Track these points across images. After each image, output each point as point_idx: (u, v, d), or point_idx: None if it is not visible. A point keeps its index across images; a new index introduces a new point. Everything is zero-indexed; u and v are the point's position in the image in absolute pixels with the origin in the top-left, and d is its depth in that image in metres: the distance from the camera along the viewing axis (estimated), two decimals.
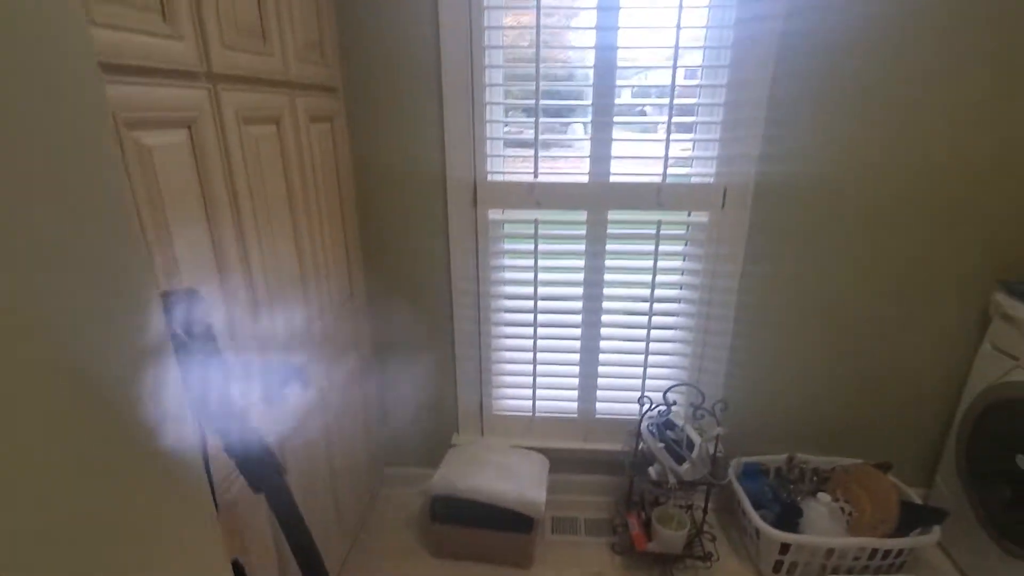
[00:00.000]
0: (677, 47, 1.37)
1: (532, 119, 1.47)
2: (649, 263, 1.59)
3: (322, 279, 1.36)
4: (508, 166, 1.58)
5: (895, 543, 1.46)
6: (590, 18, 1.39)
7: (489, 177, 1.55)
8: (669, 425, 1.60)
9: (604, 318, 1.68)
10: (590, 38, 1.40)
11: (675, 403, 1.61)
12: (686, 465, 1.50)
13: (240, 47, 0.98)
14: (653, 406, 1.59)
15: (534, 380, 1.76)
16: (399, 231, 1.63)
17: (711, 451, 1.57)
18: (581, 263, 1.62)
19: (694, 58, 1.46)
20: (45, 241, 0.34)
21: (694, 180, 1.53)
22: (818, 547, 1.47)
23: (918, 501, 1.58)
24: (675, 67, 1.39)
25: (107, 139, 0.40)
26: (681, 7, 1.34)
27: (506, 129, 1.55)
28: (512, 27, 1.48)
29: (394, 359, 1.78)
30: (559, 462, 1.79)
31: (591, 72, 1.43)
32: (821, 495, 1.58)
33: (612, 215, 1.56)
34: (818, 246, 1.55)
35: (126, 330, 0.42)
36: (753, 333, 1.65)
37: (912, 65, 1.37)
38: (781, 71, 1.38)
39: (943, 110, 1.40)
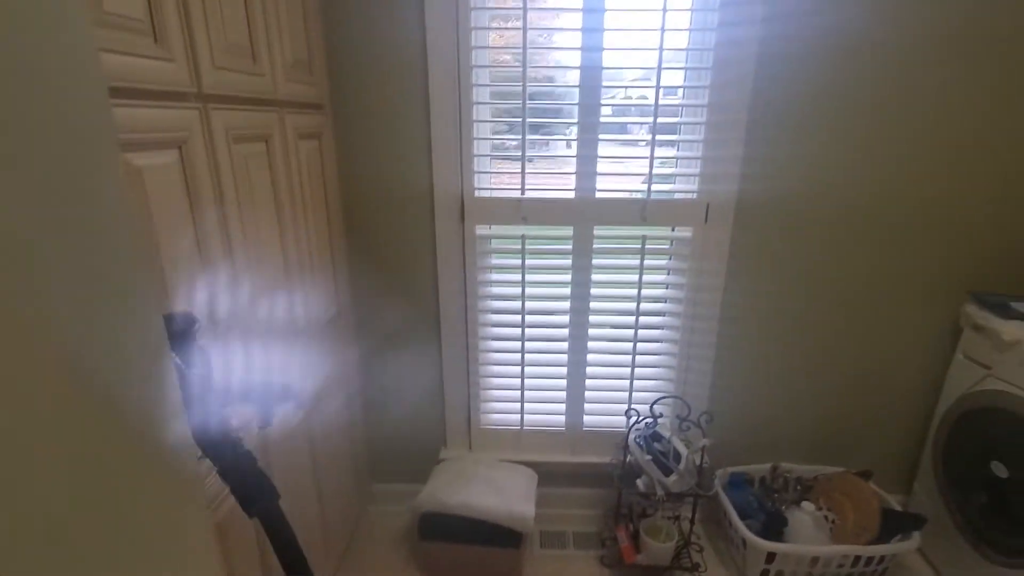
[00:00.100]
0: (660, 67, 1.41)
1: (519, 136, 1.49)
2: (635, 277, 1.62)
3: (309, 295, 1.36)
4: (495, 182, 1.59)
5: (877, 550, 1.49)
6: (575, 37, 1.42)
7: (476, 193, 1.56)
8: (656, 437, 1.62)
9: (591, 331, 1.69)
10: (575, 57, 1.44)
11: (661, 415, 1.63)
12: (673, 476, 1.51)
13: (230, 67, 0.98)
14: (640, 418, 1.60)
15: (522, 394, 1.76)
16: (386, 247, 1.63)
17: (697, 462, 1.59)
18: (568, 278, 1.64)
19: (676, 77, 1.49)
20: (55, 259, 0.34)
21: (677, 196, 1.56)
22: (803, 556, 1.50)
23: (898, 508, 1.62)
24: (658, 86, 1.43)
25: (115, 162, 0.41)
26: (663, 29, 1.38)
27: (493, 144, 1.57)
28: (499, 47, 1.50)
29: (381, 374, 1.77)
30: (547, 475, 1.79)
31: (577, 90, 1.46)
32: (805, 504, 1.61)
33: (598, 230, 1.58)
34: (797, 261, 1.60)
35: (131, 350, 0.42)
36: (737, 345, 1.69)
37: (882, 85, 1.43)
38: (759, 92, 1.43)
39: (915, 127, 1.46)
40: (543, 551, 1.75)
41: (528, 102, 1.45)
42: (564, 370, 1.74)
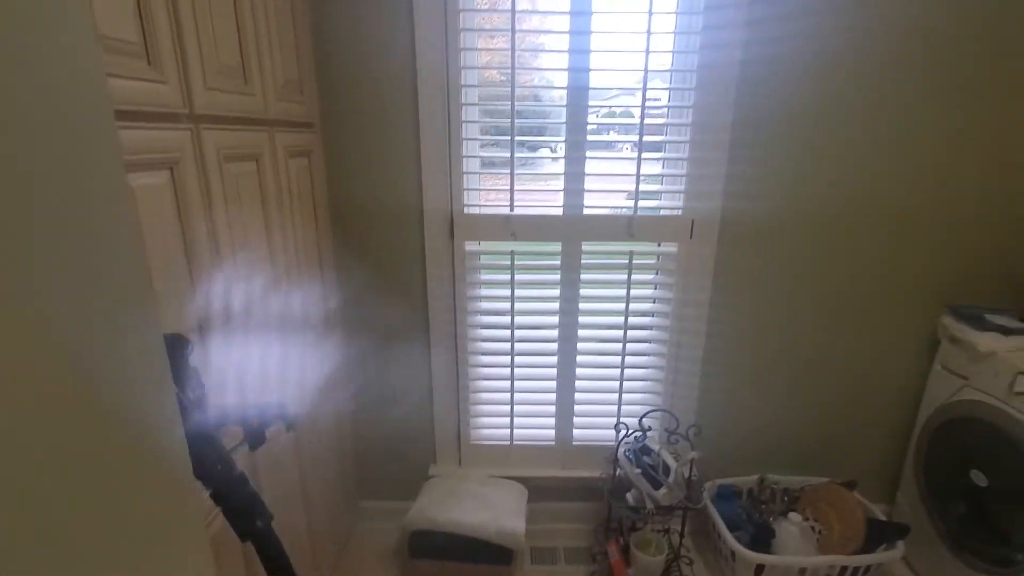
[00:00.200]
0: (645, 88, 1.44)
1: (508, 153, 1.51)
2: (622, 292, 1.64)
3: (298, 311, 1.36)
4: (484, 199, 1.61)
5: (863, 560, 1.51)
6: (563, 58, 1.45)
7: (466, 210, 1.57)
8: (645, 450, 1.63)
9: (580, 346, 1.71)
10: (563, 77, 1.47)
11: (650, 428, 1.64)
12: (663, 490, 1.52)
13: (222, 87, 0.99)
14: (629, 432, 1.61)
15: (511, 409, 1.77)
16: (376, 263, 1.63)
17: (686, 475, 1.60)
18: (556, 293, 1.65)
19: (661, 96, 1.53)
20: (61, 271, 0.35)
21: (663, 213, 1.59)
22: (791, 567, 1.51)
23: (882, 517, 1.64)
24: (644, 106, 1.46)
25: (122, 185, 0.42)
26: (648, 51, 1.41)
27: (482, 161, 1.59)
28: (487, 67, 1.53)
29: (370, 391, 1.77)
30: (537, 490, 1.79)
31: (564, 109, 1.49)
32: (792, 515, 1.63)
33: (586, 246, 1.61)
34: (780, 276, 1.63)
35: (133, 371, 0.43)
36: (723, 359, 1.71)
37: (859, 104, 1.48)
38: (741, 111, 1.47)
39: (892, 146, 1.51)
40: (534, 567, 1.74)
41: (517, 119, 1.48)
42: (553, 384, 1.75)
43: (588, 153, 1.52)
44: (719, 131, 1.48)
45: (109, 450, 0.39)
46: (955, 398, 1.54)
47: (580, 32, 1.42)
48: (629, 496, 1.57)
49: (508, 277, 1.63)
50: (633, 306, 1.66)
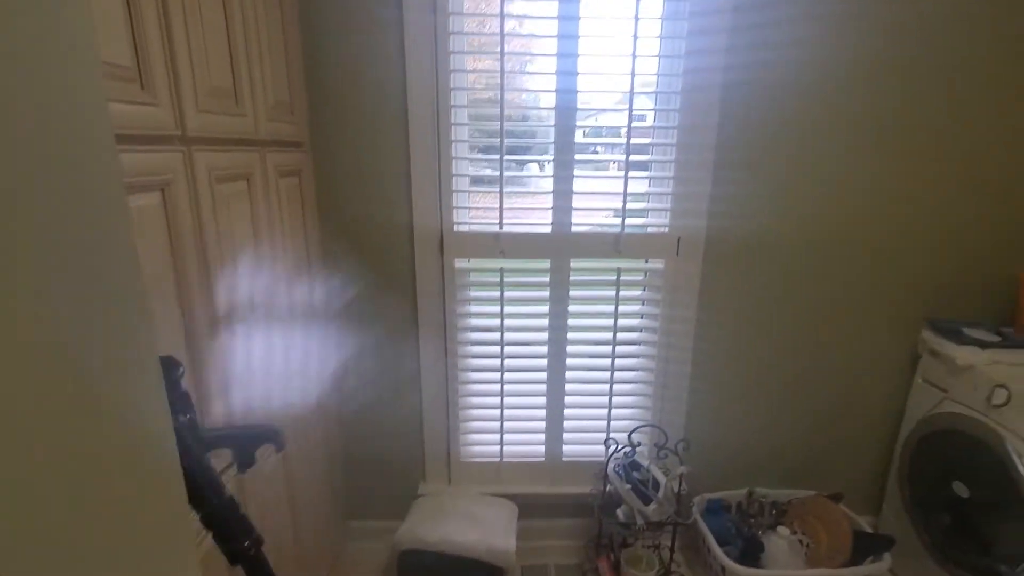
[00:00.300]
0: (631, 108, 1.48)
1: (497, 173, 1.53)
2: (610, 308, 1.66)
3: (287, 327, 1.35)
4: (474, 217, 1.63)
5: (850, 573, 1.52)
6: (550, 80, 1.49)
7: (456, 228, 1.59)
8: (635, 466, 1.64)
9: (569, 362, 1.72)
10: (551, 98, 1.50)
11: (640, 444, 1.65)
12: (653, 505, 1.53)
13: (213, 109, 1.00)
14: (619, 447, 1.62)
15: (501, 425, 1.77)
16: (366, 280, 1.63)
17: (676, 490, 1.61)
18: (546, 309, 1.67)
19: (647, 117, 1.57)
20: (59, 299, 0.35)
21: (650, 230, 1.62)
22: None
23: (869, 530, 1.66)
24: (630, 127, 1.50)
25: (122, 208, 0.43)
26: (633, 73, 1.45)
27: (472, 179, 1.61)
28: (476, 88, 1.56)
29: (359, 408, 1.76)
30: (528, 507, 1.79)
31: (552, 129, 1.51)
32: (780, 528, 1.64)
33: (574, 263, 1.63)
34: (765, 292, 1.66)
35: (128, 391, 0.43)
36: (710, 374, 1.73)
37: (839, 124, 1.53)
38: (723, 132, 1.51)
39: (872, 165, 1.56)
40: None
41: (506, 139, 1.50)
42: (543, 400, 1.75)
43: (576, 171, 1.55)
44: (703, 151, 1.52)
45: (103, 471, 0.40)
46: (936, 410, 1.57)
47: (567, 55, 1.45)
48: (619, 512, 1.57)
49: (498, 294, 1.64)
50: (621, 322, 1.67)
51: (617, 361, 1.71)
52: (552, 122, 1.51)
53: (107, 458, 0.40)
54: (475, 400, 1.76)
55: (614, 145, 1.60)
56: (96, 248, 0.40)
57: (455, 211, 1.58)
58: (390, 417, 1.77)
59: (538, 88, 1.55)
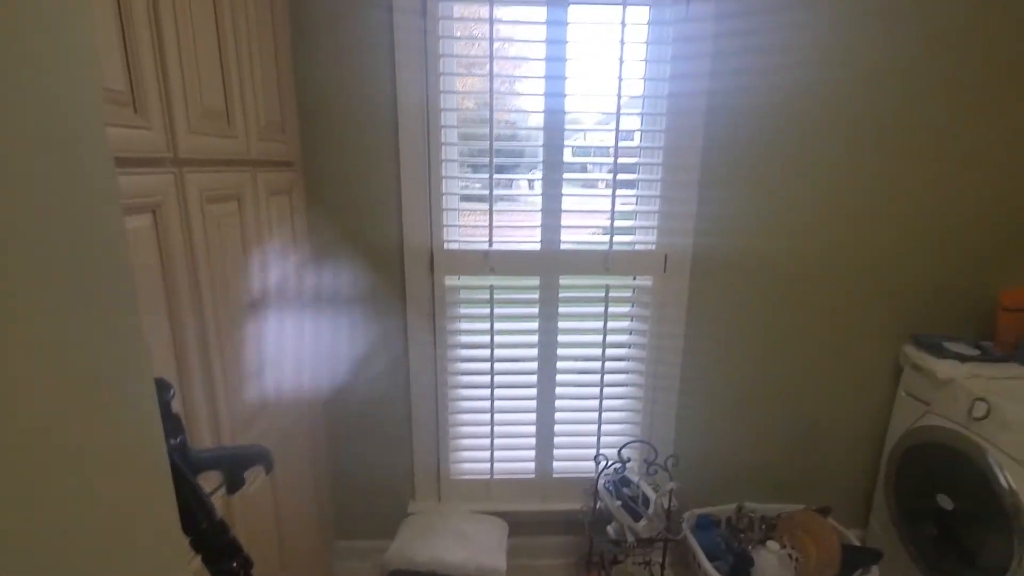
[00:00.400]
0: (617, 129, 1.51)
1: (487, 191, 1.55)
2: (599, 324, 1.68)
3: (275, 345, 1.35)
4: (464, 235, 1.64)
5: None
6: (539, 102, 1.52)
7: (446, 245, 1.60)
8: (625, 482, 1.64)
9: (559, 378, 1.73)
10: (539, 119, 1.53)
11: (629, 459, 1.66)
12: (643, 522, 1.53)
13: (205, 131, 1.01)
14: (609, 464, 1.63)
15: (491, 442, 1.76)
16: (356, 297, 1.64)
17: (666, 506, 1.61)
18: (535, 326, 1.68)
19: (634, 136, 1.60)
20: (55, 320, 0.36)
21: (638, 247, 1.65)
22: None
23: (857, 543, 1.68)
24: (616, 147, 1.53)
25: (121, 231, 0.44)
26: (620, 95, 1.49)
27: (462, 197, 1.63)
28: (467, 108, 1.58)
29: (348, 427, 1.75)
30: (518, 525, 1.78)
31: (541, 149, 1.54)
32: (770, 543, 1.65)
33: (563, 280, 1.64)
34: (752, 308, 1.69)
35: (124, 415, 0.43)
36: (699, 389, 1.75)
37: (820, 148, 1.57)
38: (708, 153, 1.55)
39: (855, 182, 1.60)
40: None
41: (496, 158, 1.52)
42: (533, 416, 1.76)
43: (564, 190, 1.57)
44: (688, 170, 1.55)
45: (97, 495, 0.40)
46: (919, 423, 1.60)
47: (555, 76, 1.48)
48: (610, 529, 1.57)
49: (487, 311, 1.65)
50: (610, 338, 1.69)
51: (606, 377, 1.73)
52: (541, 142, 1.54)
53: (101, 483, 0.40)
54: (465, 417, 1.76)
55: (602, 164, 1.62)
56: (95, 271, 0.41)
57: (445, 229, 1.59)
58: (379, 435, 1.76)
59: (527, 109, 1.58)
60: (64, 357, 0.37)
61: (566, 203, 1.59)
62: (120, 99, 0.78)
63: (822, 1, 1.47)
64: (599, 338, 1.69)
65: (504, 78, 1.53)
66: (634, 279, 1.68)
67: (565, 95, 1.50)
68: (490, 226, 1.58)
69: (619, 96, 1.49)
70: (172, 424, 0.67)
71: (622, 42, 1.45)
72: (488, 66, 1.45)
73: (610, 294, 1.66)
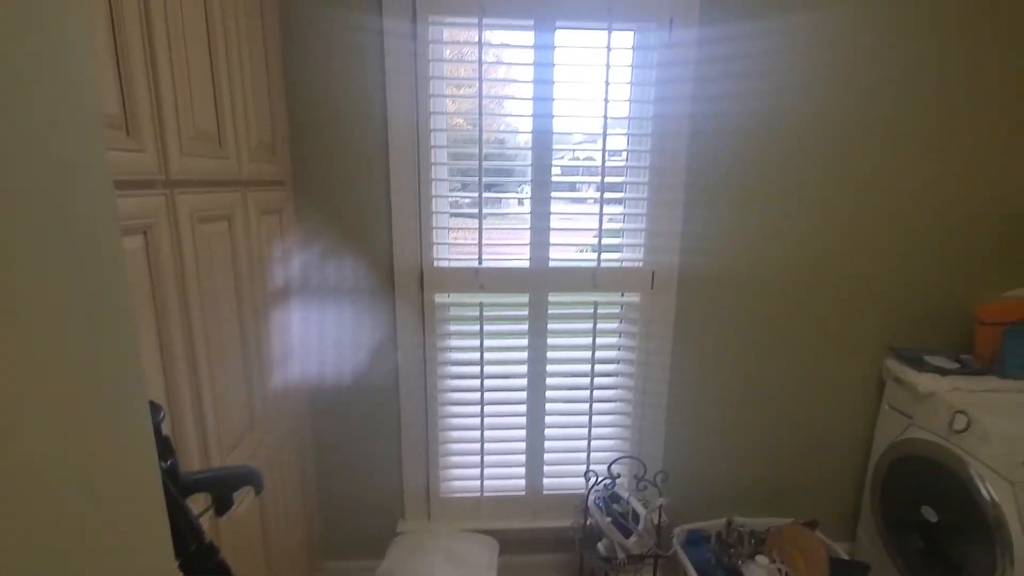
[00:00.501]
0: (604, 150, 1.54)
1: (476, 210, 1.57)
2: (588, 340, 1.69)
3: (265, 363, 1.35)
4: (454, 253, 1.66)
5: None
6: (527, 123, 1.55)
7: (436, 263, 1.62)
8: (615, 498, 1.65)
9: (548, 394, 1.74)
10: (527, 138, 1.56)
11: (619, 475, 1.67)
12: (633, 538, 1.53)
13: (198, 152, 1.02)
14: (599, 480, 1.63)
15: (482, 460, 1.76)
16: (346, 316, 1.64)
17: (656, 521, 1.62)
18: (525, 343, 1.69)
19: (621, 155, 1.64)
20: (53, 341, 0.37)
21: (625, 264, 1.67)
22: None
23: (845, 556, 1.69)
24: (603, 167, 1.56)
25: (119, 253, 0.44)
26: (606, 116, 1.52)
27: (452, 215, 1.65)
28: (456, 128, 1.61)
29: (337, 446, 1.74)
30: (509, 543, 1.77)
31: (529, 169, 1.57)
32: (759, 558, 1.65)
33: (552, 297, 1.66)
34: (738, 324, 1.72)
35: (117, 435, 0.44)
36: (687, 405, 1.77)
37: (803, 166, 1.61)
38: (693, 174, 1.59)
39: (836, 200, 1.64)
40: None
41: (485, 177, 1.55)
42: (523, 433, 1.76)
43: (553, 208, 1.60)
44: (674, 190, 1.59)
45: (92, 519, 0.40)
46: (902, 436, 1.62)
47: (542, 98, 1.52)
48: (600, 546, 1.57)
49: (477, 328, 1.66)
50: (599, 354, 1.71)
51: (596, 393, 1.74)
52: (529, 161, 1.56)
53: (95, 506, 0.40)
54: (455, 434, 1.76)
55: (589, 183, 1.66)
56: (95, 293, 0.41)
57: (435, 247, 1.61)
58: (368, 453, 1.75)
59: (516, 129, 1.61)
60: (64, 379, 0.37)
61: (555, 221, 1.61)
62: (113, 123, 0.79)
63: (803, 28, 1.52)
64: (588, 354, 1.70)
65: (493, 99, 1.56)
66: (622, 296, 1.70)
67: (553, 115, 1.53)
68: (479, 244, 1.60)
69: (605, 117, 1.53)
70: (162, 446, 0.67)
71: (608, 65, 1.49)
72: (477, 87, 1.48)
73: (598, 311, 1.68)
